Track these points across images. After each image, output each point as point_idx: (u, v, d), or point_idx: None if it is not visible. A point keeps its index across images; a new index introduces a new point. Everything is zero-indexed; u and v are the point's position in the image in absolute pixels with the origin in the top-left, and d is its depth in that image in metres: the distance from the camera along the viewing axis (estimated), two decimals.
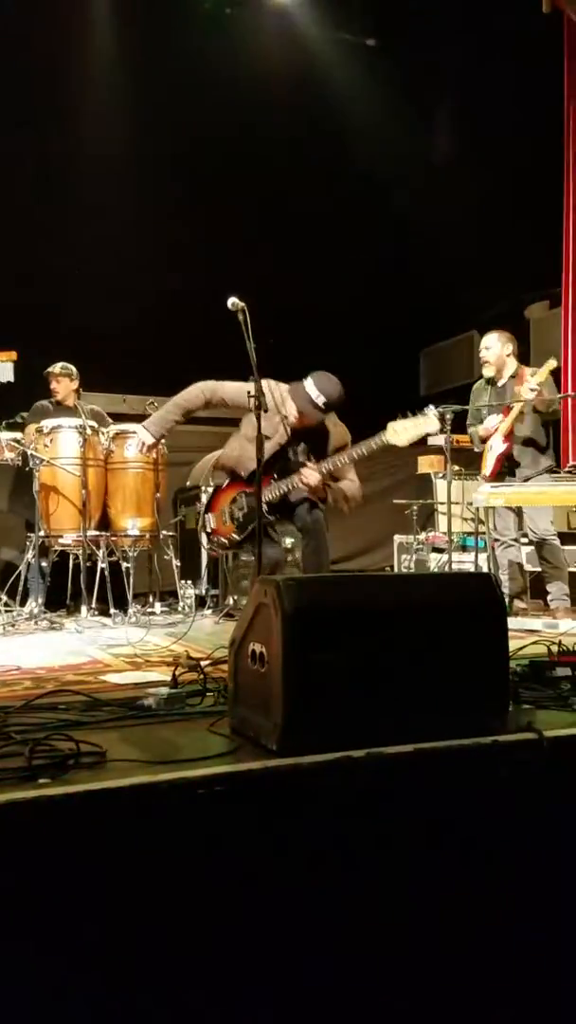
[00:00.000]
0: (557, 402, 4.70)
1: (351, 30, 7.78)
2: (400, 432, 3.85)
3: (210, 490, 4.56)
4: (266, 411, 3.67)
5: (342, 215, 7.85)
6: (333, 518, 7.03)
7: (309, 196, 7.69)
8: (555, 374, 4.87)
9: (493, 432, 4.72)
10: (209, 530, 4.33)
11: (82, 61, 6.95)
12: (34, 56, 6.62)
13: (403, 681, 1.73)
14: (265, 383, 4.10)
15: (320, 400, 3.96)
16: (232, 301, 3.44)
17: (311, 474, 3.97)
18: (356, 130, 7.54)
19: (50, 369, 5.39)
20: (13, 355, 4.66)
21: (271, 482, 4.07)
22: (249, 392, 3.59)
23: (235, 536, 4.20)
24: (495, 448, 4.72)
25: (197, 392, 4.20)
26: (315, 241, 7.62)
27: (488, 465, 4.77)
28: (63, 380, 5.38)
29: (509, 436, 4.68)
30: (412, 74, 7.50)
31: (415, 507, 6.55)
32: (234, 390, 4.14)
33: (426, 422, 3.84)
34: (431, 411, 3.85)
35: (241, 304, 3.43)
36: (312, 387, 4.00)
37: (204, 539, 4.47)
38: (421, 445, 7.58)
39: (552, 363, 4.67)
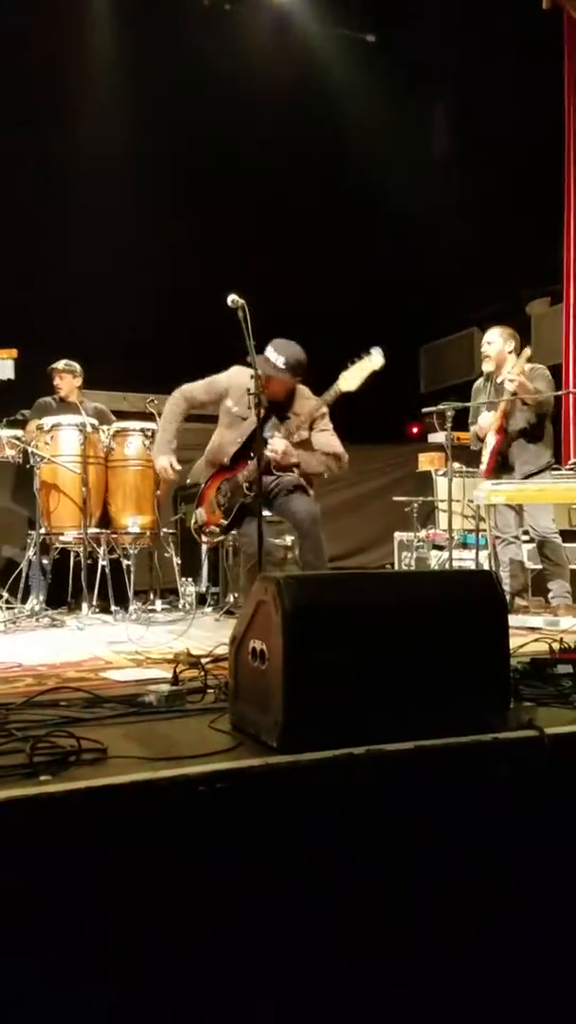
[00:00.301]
0: (546, 395, 4.67)
1: (350, 26, 7.78)
2: (350, 379, 3.87)
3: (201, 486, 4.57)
4: (265, 407, 3.67)
5: (342, 213, 7.85)
6: (334, 514, 7.06)
7: (309, 194, 7.69)
8: (556, 370, 4.86)
9: (488, 429, 4.74)
10: (201, 523, 4.34)
11: (82, 61, 6.95)
12: (34, 56, 6.62)
13: (404, 678, 1.73)
14: (235, 369, 4.14)
15: (279, 362, 3.96)
16: (232, 298, 3.44)
17: (277, 442, 3.97)
18: (356, 128, 7.54)
19: (53, 365, 5.39)
20: (14, 352, 4.66)
21: (248, 463, 4.07)
22: (250, 387, 3.59)
23: (223, 521, 4.21)
24: (489, 444, 4.74)
25: (174, 401, 4.32)
26: (315, 239, 7.62)
27: (483, 461, 4.78)
28: (66, 376, 5.38)
29: (501, 430, 4.69)
30: (412, 71, 7.50)
31: (415, 504, 6.55)
32: (205, 385, 4.25)
33: (371, 361, 3.85)
34: (375, 350, 3.86)
35: (241, 301, 3.43)
36: (271, 351, 4.01)
37: (199, 537, 4.47)
38: (422, 442, 7.62)
39: (527, 352, 4.67)
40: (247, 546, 4.03)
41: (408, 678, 1.74)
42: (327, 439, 4.14)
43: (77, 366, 5.43)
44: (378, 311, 7.92)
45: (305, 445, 4.08)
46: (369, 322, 7.88)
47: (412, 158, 7.83)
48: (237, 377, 4.17)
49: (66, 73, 6.85)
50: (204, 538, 4.44)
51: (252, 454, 4.01)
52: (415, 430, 8.55)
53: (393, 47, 7.72)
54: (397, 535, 6.79)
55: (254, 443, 3.62)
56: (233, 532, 4.25)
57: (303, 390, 4.18)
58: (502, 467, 4.77)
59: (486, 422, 4.75)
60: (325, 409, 4.10)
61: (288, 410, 4.13)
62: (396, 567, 6.73)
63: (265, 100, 7.37)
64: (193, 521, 4.42)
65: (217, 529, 4.24)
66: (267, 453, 3.98)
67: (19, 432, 4.90)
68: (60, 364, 5.39)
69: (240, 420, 4.13)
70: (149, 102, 7.06)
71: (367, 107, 7.49)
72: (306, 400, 4.17)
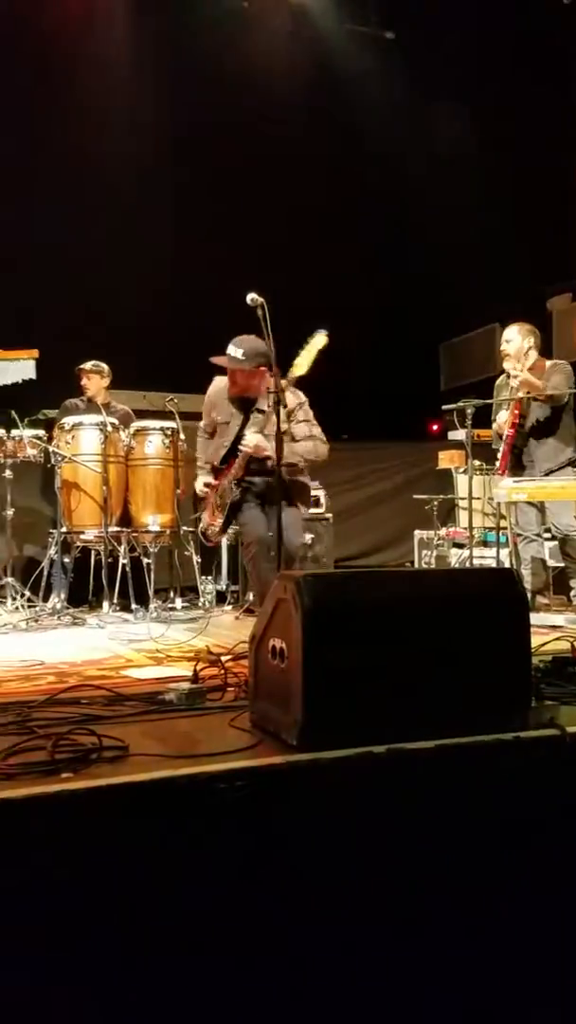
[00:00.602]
0: (560, 391, 4.62)
1: (368, 23, 7.75)
2: (301, 364, 3.90)
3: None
4: (286, 406, 3.69)
5: (360, 211, 7.83)
6: (352, 512, 7.05)
7: (327, 192, 7.68)
8: None
9: (506, 426, 4.72)
10: (205, 526, 4.39)
11: (98, 56, 6.95)
12: (46, 51, 6.62)
13: (424, 677, 1.73)
14: (214, 381, 4.18)
15: (238, 354, 4.01)
16: (251, 297, 3.44)
17: (250, 437, 4.01)
18: (374, 125, 7.51)
19: (81, 366, 5.40)
20: (35, 353, 4.70)
21: (234, 463, 4.12)
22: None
23: (219, 521, 4.26)
24: (504, 439, 4.72)
25: (199, 439, 4.43)
26: (333, 236, 7.61)
27: (499, 457, 4.76)
28: (93, 377, 5.40)
29: (514, 426, 4.67)
30: (430, 68, 7.46)
31: (435, 502, 6.52)
32: (205, 414, 4.37)
33: (316, 342, 3.89)
34: (319, 332, 3.89)
35: (260, 299, 3.44)
36: (231, 347, 4.07)
37: (204, 538, 4.51)
38: (442, 440, 7.59)
39: (533, 353, 4.64)
40: (246, 535, 4.07)
41: (429, 676, 1.73)
42: (304, 429, 4.18)
43: (105, 366, 5.44)
44: (397, 309, 7.90)
45: (283, 437, 4.09)
46: (388, 320, 7.88)
47: (430, 154, 7.79)
48: (214, 387, 4.28)
49: (81, 68, 6.85)
50: (209, 539, 4.49)
51: (238, 453, 4.05)
52: (435, 427, 8.52)
53: (411, 44, 7.69)
54: (417, 533, 6.77)
55: (277, 451, 3.63)
56: (233, 527, 4.29)
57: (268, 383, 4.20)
58: (517, 463, 4.74)
59: (503, 419, 4.73)
60: (303, 399, 4.12)
61: (261, 405, 4.16)
62: (416, 565, 6.71)
63: (283, 98, 7.37)
64: (202, 526, 4.47)
65: (216, 528, 4.29)
66: (240, 448, 4.03)
67: (41, 432, 4.92)
68: (88, 365, 5.40)
69: (224, 425, 4.21)
70: (164, 99, 7.08)
71: (386, 103, 7.47)
72: (270, 394, 4.19)
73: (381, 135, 7.51)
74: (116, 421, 4.98)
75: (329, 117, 7.65)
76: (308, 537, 5.11)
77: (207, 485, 4.25)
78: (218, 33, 7.21)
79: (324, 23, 7.61)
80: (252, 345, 4.02)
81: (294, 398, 4.10)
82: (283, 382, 3.91)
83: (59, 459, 4.77)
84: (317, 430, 4.18)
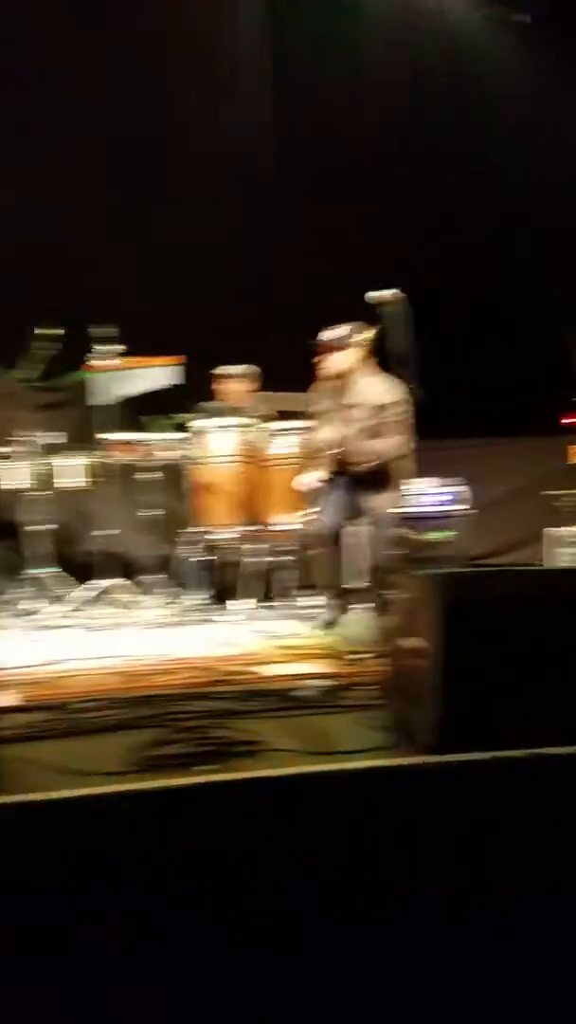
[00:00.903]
0: None
1: (502, 7, 7.54)
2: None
3: None
4: (419, 401, 3.66)
5: (487, 196, 7.63)
6: (483, 509, 6.84)
7: (457, 182, 7.52)
8: None
9: None
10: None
11: (223, 45, 6.99)
12: (178, 39, 6.71)
13: (565, 679, 1.67)
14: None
15: (323, 336, 4.03)
16: (370, 295, 3.41)
17: (322, 432, 4.02)
18: (506, 109, 7.31)
19: (218, 370, 5.46)
20: (182, 359, 4.87)
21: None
22: None
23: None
24: None
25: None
26: (465, 225, 7.45)
27: None
28: (231, 381, 5.45)
29: None
30: (565, 53, 7.19)
31: (568, 499, 6.26)
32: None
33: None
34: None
35: (384, 296, 3.39)
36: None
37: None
38: (573, 434, 7.29)
39: None
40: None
41: (569, 679, 1.67)
42: (386, 428, 4.12)
43: (246, 370, 5.45)
44: (525, 296, 7.64)
45: (365, 434, 4.05)
46: (517, 308, 7.62)
47: (561, 138, 7.50)
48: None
49: (205, 57, 6.90)
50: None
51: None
52: (568, 420, 8.18)
53: (552, 26, 7.42)
54: (548, 531, 6.52)
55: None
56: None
57: (372, 381, 4.11)
58: None
59: None
60: (395, 399, 4.02)
61: (350, 397, 4.13)
62: (546, 564, 6.46)
63: (408, 88, 7.27)
64: None
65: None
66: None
67: (178, 434, 5.06)
68: (225, 369, 5.45)
69: (324, 415, 4.24)
70: (289, 95, 7.09)
71: (519, 90, 7.27)
72: (362, 387, 4.14)
73: (517, 122, 7.30)
74: (250, 422, 5.04)
75: (459, 106, 7.49)
76: (446, 534, 5.03)
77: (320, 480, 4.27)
78: (340, 23, 7.18)
79: (453, 9, 7.46)
80: (328, 329, 4.03)
81: (388, 396, 4.05)
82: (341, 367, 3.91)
83: (192, 460, 4.89)
84: (398, 431, 4.11)
